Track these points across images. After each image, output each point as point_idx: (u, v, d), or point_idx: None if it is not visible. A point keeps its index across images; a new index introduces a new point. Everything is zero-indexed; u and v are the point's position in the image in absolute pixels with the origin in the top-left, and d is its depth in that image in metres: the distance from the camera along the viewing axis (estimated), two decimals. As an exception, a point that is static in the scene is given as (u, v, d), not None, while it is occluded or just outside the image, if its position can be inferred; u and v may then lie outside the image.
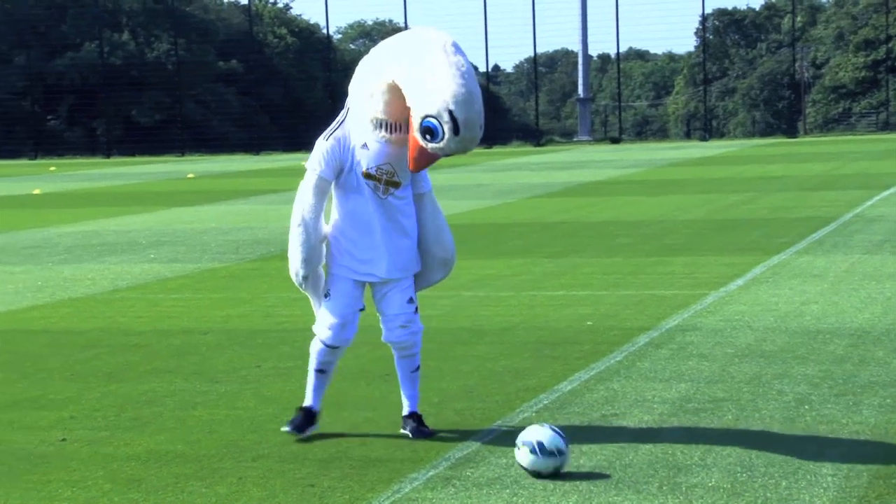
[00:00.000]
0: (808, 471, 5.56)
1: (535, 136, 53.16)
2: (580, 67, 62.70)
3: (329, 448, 6.17)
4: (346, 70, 66.11)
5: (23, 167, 43.27)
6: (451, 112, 5.84)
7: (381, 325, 6.51)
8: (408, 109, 6.02)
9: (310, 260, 6.28)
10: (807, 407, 6.67)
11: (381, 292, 6.42)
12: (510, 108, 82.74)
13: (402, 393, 6.53)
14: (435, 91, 5.85)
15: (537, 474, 5.57)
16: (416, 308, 6.54)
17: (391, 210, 6.29)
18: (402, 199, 6.33)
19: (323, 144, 6.30)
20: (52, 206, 23.77)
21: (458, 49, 6.03)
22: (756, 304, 9.95)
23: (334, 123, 6.38)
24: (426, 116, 5.89)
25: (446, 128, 5.86)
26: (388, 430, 6.46)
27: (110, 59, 56.64)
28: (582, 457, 5.85)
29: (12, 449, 6.30)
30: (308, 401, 6.44)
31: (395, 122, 6.13)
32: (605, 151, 42.17)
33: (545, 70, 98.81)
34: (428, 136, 5.93)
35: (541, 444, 5.56)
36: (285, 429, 6.37)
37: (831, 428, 6.26)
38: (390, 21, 77.12)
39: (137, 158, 49.44)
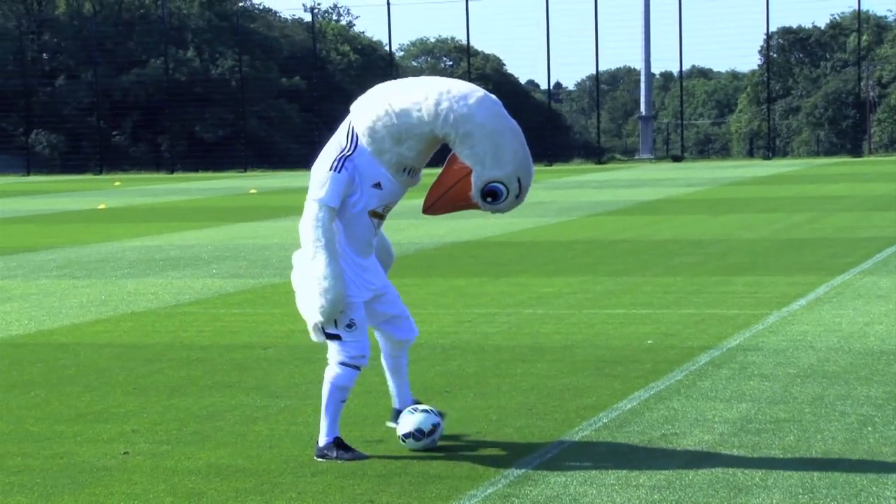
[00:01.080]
0: (871, 493, 5.49)
1: (596, 153, 53.02)
2: (642, 85, 62.51)
3: (388, 464, 6.18)
4: (408, 87, 66.29)
5: (88, 182, 43.84)
6: (519, 179, 6.31)
7: (392, 331, 6.55)
8: (429, 157, 6.42)
9: (345, 293, 6.26)
10: (870, 428, 6.59)
11: (381, 301, 6.52)
12: (571, 125, 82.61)
13: (399, 388, 6.64)
14: (506, 159, 6.24)
15: (420, 432, 6.26)
16: None
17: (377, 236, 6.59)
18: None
19: (336, 177, 6.25)
20: (117, 220, 24.04)
21: (503, 107, 6.39)
22: (819, 325, 9.85)
23: (341, 153, 6.29)
24: (495, 181, 6.28)
25: (511, 192, 6.34)
26: (447, 446, 6.46)
27: (175, 76, 57.28)
28: (642, 476, 5.81)
29: (76, 462, 6.38)
30: (336, 431, 6.37)
31: (420, 167, 6.46)
32: (667, 169, 41.96)
33: (607, 88, 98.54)
34: (490, 199, 6.35)
35: (419, 431, 6.26)
36: (343, 458, 6.28)
37: (895, 450, 6.18)
38: (452, 38, 77.35)
39: (201, 174, 49.92)
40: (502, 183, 6.27)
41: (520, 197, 6.39)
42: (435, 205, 6.47)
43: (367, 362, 6.43)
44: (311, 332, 6.45)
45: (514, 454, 6.29)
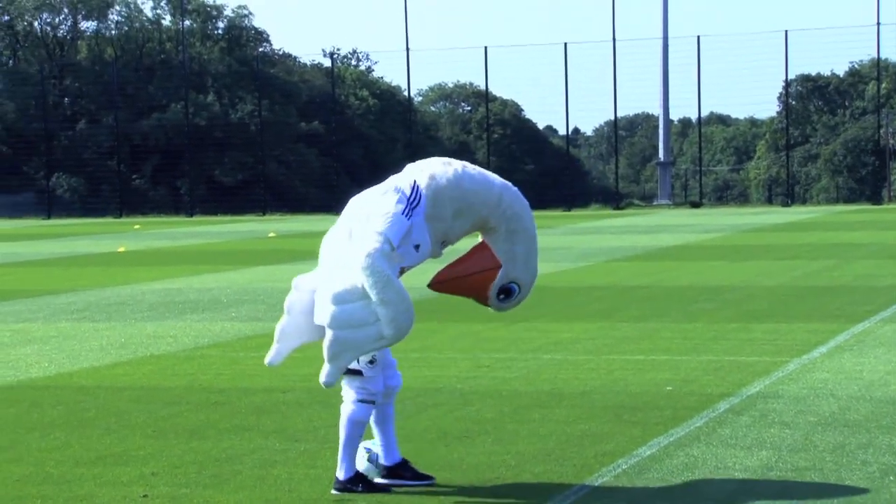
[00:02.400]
0: (894, 543, 5.45)
1: (614, 199, 53.05)
2: (661, 131, 62.63)
3: (407, 509, 6.18)
4: (427, 131, 66.71)
5: (108, 225, 44.05)
6: (531, 285, 6.71)
7: (384, 376, 6.60)
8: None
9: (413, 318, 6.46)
10: (892, 478, 6.55)
11: None
12: (589, 170, 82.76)
13: (387, 442, 6.62)
14: (533, 264, 6.70)
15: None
16: None
17: None
18: None
19: (402, 220, 6.33)
20: (137, 263, 24.14)
21: None
22: (840, 373, 9.81)
23: (411, 202, 6.36)
24: (515, 281, 6.62)
25: (522, 295, 6.68)
26: (466, 491, 6.45)
27: (195, 120, 57.64)
28: (661, 524, 5.79)
29: None
30: (354, 467, 6.48)
31: (453, 243, 6.72)
32: (686, 216, 41.95)
33: (625, 133, 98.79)
34: (503, 295, 6.63)
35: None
36: (369, 490, 6.41)
37: (917, 500, 6.14)
38: (471, 84, 77.70)
39: (220, 217, 50.11)
40: (520, 285, 6.60)
41: (522, 301, 6.74)
42: (447, 282, 6.67)
43: (382, 398, 6.54)
44: (332, 373, 6.39)
45: (533, 500, 6.28)
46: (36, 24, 65.70)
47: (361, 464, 6.55)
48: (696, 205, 51.39)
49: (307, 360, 11.20)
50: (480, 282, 6.60)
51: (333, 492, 6.48)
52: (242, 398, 9.31)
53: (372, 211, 6.37)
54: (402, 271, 6.58)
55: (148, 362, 11.24)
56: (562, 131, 55.12)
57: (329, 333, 6.36)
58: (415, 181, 6.43)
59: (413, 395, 9.24)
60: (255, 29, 68.20)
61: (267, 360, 6.77)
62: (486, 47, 52.51)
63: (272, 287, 18.25)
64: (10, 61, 65.11)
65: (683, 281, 18.08)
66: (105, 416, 8.70)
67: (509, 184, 6.76)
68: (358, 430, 6.49)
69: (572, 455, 7.24)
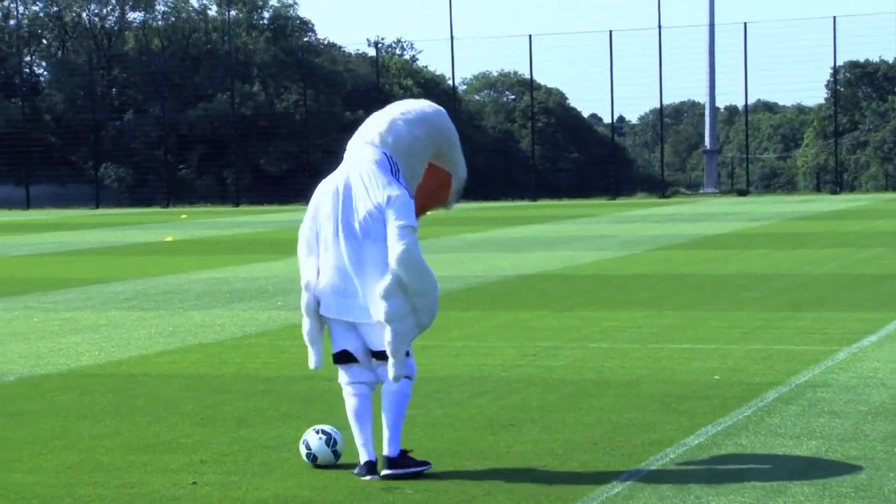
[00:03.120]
0: (946, 533, 5.39)
1: (660, 187, 52.79)
2: (707, 119, 62.20)
3: (456, 497, 6.18)
4: (471, 120, 66.60)
5: (155, 215, 44.37)
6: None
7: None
8: None
9: None
10: (944, 467, 6.48)
11: None
12: (634, 159, 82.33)
13: (370, 437, 6.70)
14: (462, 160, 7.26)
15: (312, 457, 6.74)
16: None
17: None
18: None
19: (410, 200, 6.71)
20: (184, 253, 24.30)
21: None
22: (890, 361, 9.72)
23: (399, 180, 6.72)
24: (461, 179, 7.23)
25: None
26: (513, 479, 6.45)
27: (241, 110, 57.89)
28: (710, 513, 5.76)
29: (146, 491, 6.44)
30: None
31: None
32: (732, 204, 41.69)
33: (671, 121, 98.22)
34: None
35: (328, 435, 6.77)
36: (418, 466, 6.55)
37: (970, 490, 6.08)
38: (515, 72, 77.48)
39: (265, 207, 50.34)
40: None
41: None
42: (424, 208, 7.14)
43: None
44: (398, 364, 6.54)
45: (580, 489, 6.27)
46: (84, 15, 66.21)
47: (319, 446, 6.76)
48: (742, 193, 51.05)
49: (353, 348, 11.22)
50: (438, 193, 7.17)
51: (386, 472, 6.52)
52: (289, 386, 9.35)
53: (379, 199, 6.60)
54: None
55: (195, 351, 11.31)
56: (607, 119, 54.96)
57: (389, 329, 6.48)
58: (388, 156, 6.72)
59: (459, 384, 9.25)
60: (301, 18, 68.36)
61: (311, 365, 6.85)
62: (530, 35, 52.43)
63: (318, 276, 18.30)
64: (59, 52, 65.66)
65: (730, 269, 17.97)
66: (154, 404, 8.76)
67: (435, 106, 7.13)
68: (405, 407, 6.72)
69: (619, 444, 7.22)
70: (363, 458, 6.62)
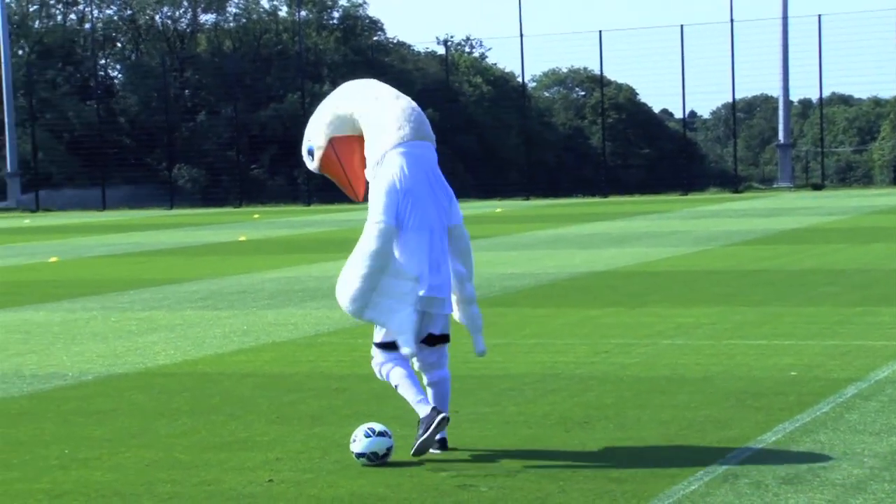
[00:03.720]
0: None
1: (733, 182, 52.29)
2: (781, 112, 61.49)
3: (530, 494, 6.17)
4: (541, 117, 66.45)
5: (228, 215, 44.79)
6: None
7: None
8: None
9: None
10: None
11: None
12: (706, 154, 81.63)
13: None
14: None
15: (375, 455, 6.77)
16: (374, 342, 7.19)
17: None
18: None
19: None
20: (256, 252, 24.50)
21: None
22: (971, 356, 9.54)
23: None
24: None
25: None
26: (587, 476, 6.42)
27: (311, 110, 58.09)
28: (788, 510, 5.70)
29: (222, 489, 6.50)
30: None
31: None
32: (807, 198, 41.20)
33: (743, 116, 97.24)
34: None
35: (372, 429, 6.81)
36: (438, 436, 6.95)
37: None
38: (585, 69, 77.16)
39: (336, 206, 50.61)
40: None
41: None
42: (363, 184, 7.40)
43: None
44: (483, 340, 7.37)
45: (655, 486, 6.23)
46: (157, 17, 67.03)
47: (360, 444, 6.81)
48: (817, 187, 50.42)
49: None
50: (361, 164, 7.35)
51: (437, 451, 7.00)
52: (362, 385, 9.39)
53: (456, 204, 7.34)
54: None
55: (269, 349, 11.40)
56: (678, 115, 54.54)
57: (475, 307, 7.23)
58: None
59: (532, 381, 9.24)
60: (370, 18, 68.67)
61: (405, 352, 6.93)
62: (600, 31, 52.15)
63: (390, 274, 18.36)
64: (133, 55, 66.52)
65: (805, 264, 17.76)
66: (229, 403, 8.84)
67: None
68: None
69: (695, 441, 7.16)
70: (425, 410, 6.86)
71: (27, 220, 43.90)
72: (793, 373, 9.20)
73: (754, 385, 8.78)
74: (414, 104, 7.32)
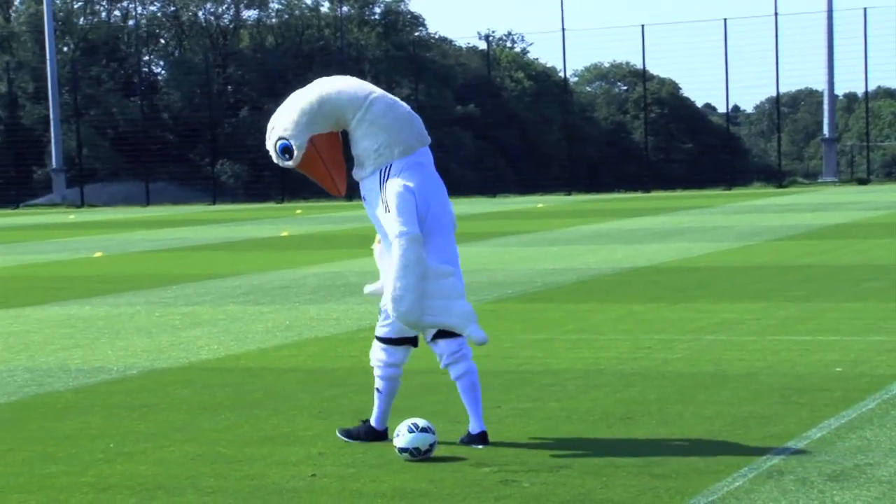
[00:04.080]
0: None
1: (777, 177, 51.95)
2: (825, 106, 60.99)
3: (573, 490, 6.16)
4: (583, 112, 66.26)
5: (271, 210, 44.97)
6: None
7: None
8: None
9: None
10: None
11: None
12: (750, 148, 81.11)
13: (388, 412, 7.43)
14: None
15: (417, 451, 6.78)
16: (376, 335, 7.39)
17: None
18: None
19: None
20: (299, 247, 24.58)
21: None
22: None
23: None
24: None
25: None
26: (630, 472, 6.40)
27: (353, 106, 58.29)
28: (833, 508, 5.66)
29: (265, 483, 6.53)
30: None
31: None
32: (852, 193, 40.85)
33: (787, 110, 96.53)
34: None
35: (415, 424, 6.84)
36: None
37: None
38: (627, 63, 76.88)
39: (379, 201, 50.58)
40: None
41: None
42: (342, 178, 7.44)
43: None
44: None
45: (700, 482, 6.19)
46: (200, 14, 67.37)
47: (404, 438, 6.84)
48: (863, 181, 49.99)
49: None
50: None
51: (479, 446, 7.06)
52: (404, 379, 9.34)
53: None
54: None
55: (312, 344, 11.44)
56: (721, 109, 54.26)
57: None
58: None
59: (574, 377, 9.22)
60: (411, 13, 68.72)
61: (480, 339, 7.13)
62: (643, 25, 51.95)
63: (432, 269, 18.36)
64: (176, 51, 66.91)
65: (851, 260, 17.62)
66: (272, 398, 8.88)
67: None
68: None
69: (739, 437, 7.12)
70: (380, 425, 7.31)
71: (72, 216, 44.28)
72: (838, 369, 9.12)
73: (799, 381, 8.72)
74: (408, 107, 7.32)
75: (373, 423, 7.32)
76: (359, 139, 7.23)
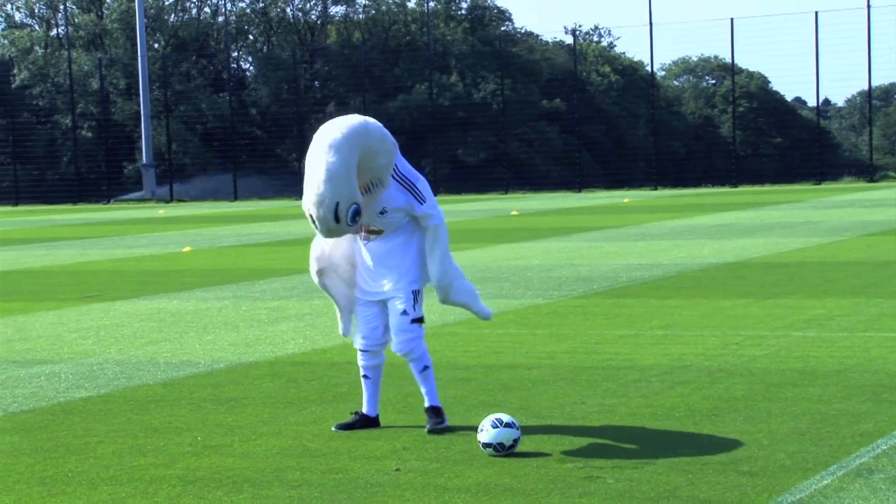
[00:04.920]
0: None
1: (868, 171, 51.08)
2: (917, 99, 59.88)
3: (658, 487, 6.11)
4: (670, 106, 65.67)
5: (357, 205, 45.09)
6: (307, 210, 7.49)
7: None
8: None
9: None
10: None
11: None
12: (841, 142, 79.84)
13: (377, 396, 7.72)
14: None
15: (501, 446, 6.77)
16: (414, 318, 7.52)
17: (374, 249, 7.56)
18: (386, 242, 7.54)
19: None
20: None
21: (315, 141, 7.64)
22: None
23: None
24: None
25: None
26: (717, 469, 6.34)
27: (439, 101, 58.48)
28: (925, 508, 5.55)
29: (351, 477, 6.57)
30: (365, 408, 7.67)
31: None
32: (945, 187, 40.01)
33: (879, 103, 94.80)
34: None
35: (499, 419, 6.84)
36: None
37: None
38: (716, 57, 76.04)
39: (463, 196, 50.76)
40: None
41: (317, 226, 7.35)
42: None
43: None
44: (485, 307, 7.81)
45: (788, 480, 6.12)
46: (288, 10, 67.92)
47: (488, 433, 6.87)
48: (956, 176, 48.97)
49: (551, 337, 11.24)
50: None
51: (430, 428, 7.46)
52: (488, 375, 9.40)
53: None
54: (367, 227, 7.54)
55: (397, 339, 11.45)
56: (811, 103, 53.45)
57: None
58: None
59: (660, 373, 9.15)
60: (498, 8, 68.58)
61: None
62: (732, 19, 51.38)
63: (515, 265, 18.37)
64: (264, 47, 67.54)
65: (944, 255, 17.26)
66: (357, 392, 8.89)
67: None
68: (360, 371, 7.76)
69: (828, 434, 7.02)
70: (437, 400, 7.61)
71: (161, 211, 44.92)
72: (930, 367, 8.95)
73: (890, 379, 8.57)
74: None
75: (365, 410, 7.69)
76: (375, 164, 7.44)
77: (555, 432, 7.39)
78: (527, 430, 7.36)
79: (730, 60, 55.85)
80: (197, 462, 7.00)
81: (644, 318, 12.18)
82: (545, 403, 8.25)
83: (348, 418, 7.77)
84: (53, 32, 67.36)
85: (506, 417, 6.91)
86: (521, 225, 28.87)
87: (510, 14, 79.93)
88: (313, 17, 68.50)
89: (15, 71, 62.29)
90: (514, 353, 10.43)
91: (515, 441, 6.85)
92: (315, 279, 7.74)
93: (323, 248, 7.70)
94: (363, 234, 7.57)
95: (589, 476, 6.36)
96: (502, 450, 6.82)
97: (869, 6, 49.30)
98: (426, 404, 7.57)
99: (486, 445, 6.84)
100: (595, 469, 6.49)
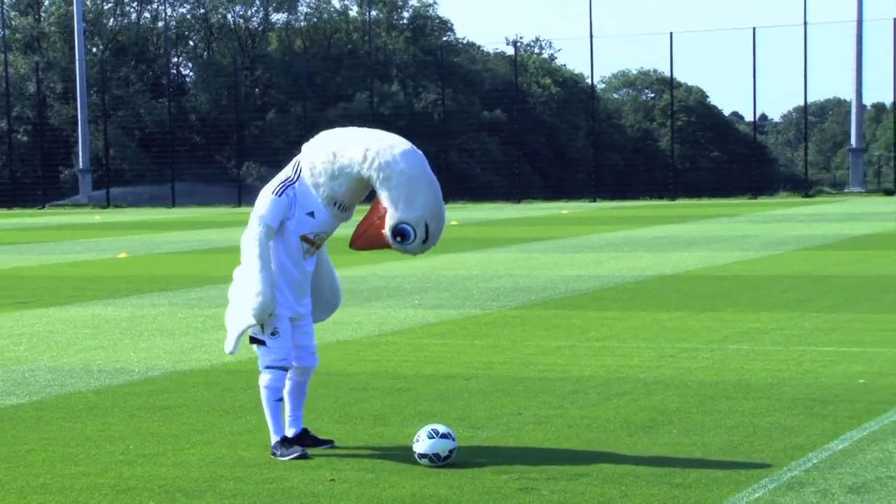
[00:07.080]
0: None
1: (803, 186, 51.74)
2: (853, 116, 60.64)
3: (593, 499, 6.13)
4: (609, 119, 66.14)
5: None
6: (427, 225, 7.02)
7: (295, 354, 7.29)
8: (360, 197, 7.23)
9: (275, 298, 7.15)
10: None
11: (296, 326, 7.31)
12: (777, 157, 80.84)
13: (294, 414, 7.39)
14: (416, 205, 6.97)
15: (437, 457, 6.74)
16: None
17: (309, 262, 7.36)
18: (315, 255, 7.42)
19: (275, 200, 7.19)
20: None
21: (426, 162, 7.19)
22: None
23: (285, 181, 7.22)
24: (403, 222, 7.00)
25: (419, 235, 7.04)
26: (651, 482, 6.37)
27: (380, 109, 58.48)
28: (855, 521, 5.61)
29: (285, 487, 6.53)
30: (282, 431, 7.24)
31: (349, 204, 7.26)
32: (880, 203, 40.63)
33: (815, 119, 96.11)
34: (399, 238, 7.05)
35: (436, 430, 6.81)
36: (286, 455, 7.06)
37: None
38: (655, 70, 76.72)
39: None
40: (411, 225, 7.00)
41: (427, 242, 7.07)
42: (359, 239, 7.27)
43: (290, 364, 7.26)
44: (229, 342, 7.38)
45: (720, 493, 6.16)
46: (229, 16, 67.62)
47: (424, 444, 6.82)
48: (890, 192, 49.70)
49: (489, 347, 11.25)
50: (378, 229, 7.13)
51: (272, 457, 7.12)
52: (426, 385, 9.39)
53: (258, 199, 7.37)
54: (317, 237, 7.29)
55: (334, 348, 11.44)
56: (748, 117, 54.04)
57: (229, 305, 7.49)
58: (297, 161, 7.28)
59: (596, 385, 9.19)
60: (440, 18, 68.80)
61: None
62: (671, 33, 51.86)
63: (454, 275, 18.38)
64: (205, 53, 67.16)
65: (878, 270, 17.51)
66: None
67: (387, 137, 7.19)
68: (272, 395, 7.22)
69: (760, 447, 7.08)
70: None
71: (98, 216, 44.48)
72: (861, 380, 9.06)
73: (822, 392, 8.67)
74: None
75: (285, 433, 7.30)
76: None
77: (491, 443, 7.40)
78: (463, 441, 7.36)
79: (669, 74, 56.38)
80: (129, 471, 6.92)
81: (582, 329, 12.24)
82: (482, 414, 8.26)
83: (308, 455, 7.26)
84: (-10, 34, 66.56)
85: (442, 428, 6.91)
86: (460, 235, 28.89)
87: (452, 24, 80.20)
88: (254, 23, 68.25)
89: (-50, 72, 61.46)
90: (453, 363, 10.43)
91: (451, 452, 6.85)
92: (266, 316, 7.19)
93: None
94: (314, 246, 7.39)
95: (524, 487, 6.37)
96: (438, 460, 6.81)
97: (806, 23, 49.98)
98: (300, 429, 7.40)
99: (422, 456, 6.84)
100: (530, 481, 6.50)
